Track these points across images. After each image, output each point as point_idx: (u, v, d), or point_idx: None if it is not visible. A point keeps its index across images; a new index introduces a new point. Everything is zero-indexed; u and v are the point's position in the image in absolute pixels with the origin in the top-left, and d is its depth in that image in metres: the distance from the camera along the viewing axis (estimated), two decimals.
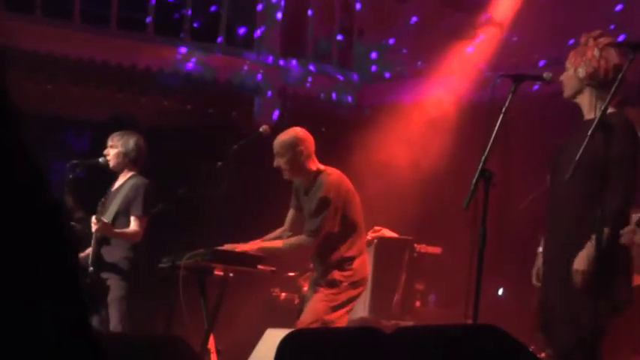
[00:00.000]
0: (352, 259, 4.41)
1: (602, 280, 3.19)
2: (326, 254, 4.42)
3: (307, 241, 4.39)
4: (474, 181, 3.28)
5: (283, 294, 5.70)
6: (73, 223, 4.78)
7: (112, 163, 5.02)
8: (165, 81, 7.12)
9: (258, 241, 4.53)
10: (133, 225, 4.85)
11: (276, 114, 7.39)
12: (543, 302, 3.43)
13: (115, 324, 4.75)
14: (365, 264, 4.51)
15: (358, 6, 7.78)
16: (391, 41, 7.60)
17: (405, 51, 7.51)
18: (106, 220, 4.76)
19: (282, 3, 7.56)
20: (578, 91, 3.46)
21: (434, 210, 6.34)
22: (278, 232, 4.59)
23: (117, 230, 4.82)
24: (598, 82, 3.39)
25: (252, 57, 7.53)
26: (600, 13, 6.06)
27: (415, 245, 5.70)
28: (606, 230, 3.20)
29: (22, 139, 1.07)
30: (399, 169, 6.56)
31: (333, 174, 4.44)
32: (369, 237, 5.26)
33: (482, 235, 3.26)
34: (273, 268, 4.46)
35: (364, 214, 4.53)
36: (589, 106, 3.44)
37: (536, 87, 5.68)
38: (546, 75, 3.48)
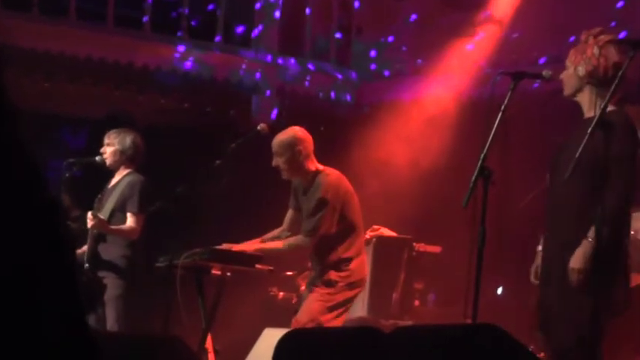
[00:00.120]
0: (350, 259, 4.39)
1: (599, 278, 3.17)
2: (324, 254, 4.40)
3: (304, 241, 4.37)
4: (473, 179, 3.27)
5: (281, 293, 5.69)
6: (69, 221, 4.75)
7: (108, 161, 5.00)
8: (162, 79, 7.10)
9: (255, 240, 4.51)
10: (130, 222, 4.83)
11: (274, 113, 7.37)
12: (542, 301, 3.41)
13: (111, 323, 4.73)
14: (363, 265, 4.49)
15: (356, 4, 7.76)
16: (390, 39, 7.58)
17: (404, 49, 7.49)
18: (101, 217, 4.74)
19: (280, 1, 7.54)
20: (578, 90, 3.45)
21: (433, 209, 6.32)
22: (276, 232, 4.58)
23: (113, 227, 4.80)
24: (598, 80, 3.37)
25: (250, 55, 7.51)
26: (601, 10, 6.04)
27: (414, 244, 5.68)
28: (605, 229, 3.17)
29: (20, 137, 1.06)
30: (397, 167, 6.55)
31: (331, 174, 4.43)
32: (367, 236, 5.25)
33: (481, 234, 3.25)
34: (271, 268, 4.44)
35: (363, 213, 4.52)
36: (589, 105, 3.42)
37: (536, 85, 5.66)
38: (546, 73, 3.47)
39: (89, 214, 4.71)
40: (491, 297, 5.76)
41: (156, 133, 6.13)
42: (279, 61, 7.55)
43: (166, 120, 7.10)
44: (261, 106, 7.41)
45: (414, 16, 7.40)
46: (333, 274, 4.36)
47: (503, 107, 3.37)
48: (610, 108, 3.26)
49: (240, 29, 7.64)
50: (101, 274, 4.79)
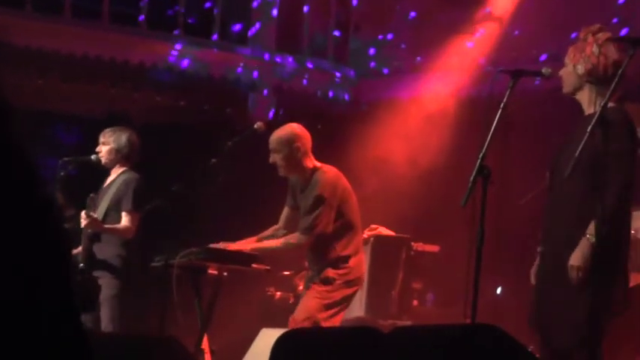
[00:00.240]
0: (348, 257, 4.37)
1: (599, 278, 3.15)
2: (321, 253, 4.38)
3: (302, 239, 4.34)
4: (472, 178, 3.25)
5: (278, 293, 5.66)
6: (64, 220, 4.71)
7: (104, 160, 4.98)
8: (158, 77, 7.08)
9: (252, 239, 4.48)
10: (124, 220, 4.81)
11: (271, 110, 7.35)
12: (540, 300, 3.38)
13: (106, 323, 4.70)
14: (361, 263, 4.47)
15: (354, 1, 7.74)
16: (388, 36, 7.56)
17: (402, 46, 7.47)
18: (95, 216, 4.70)
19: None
20: (578, 88, 3.44)
21: (431, 208, 6.30)
22: (272, 230, 4.55)
23: (107, 226, 4.77)
24: (597, 78, 3.36)
25: (247, 53, 7.48)
26: (602, 7, 6.01)
27: (412, 243, 5.67)
28: (605, 227, 3.17)
29: (16, 135, 1.06)
30: (396, 166, 6.53)
31: (329, 172, 4.41)
32: (365, 235, 5.23)
33: (480, 233, 3.24)
34: (268, 267, 4.42)
35: (361, 212, 4.50)
36: (588, 102, 3.41)
37: (536, 82, 5.63)
38: (545, 70, 3.45)
39: (82, 214, 4.68)
40: (490, 297, 5.74)
41: (152, 131, 6.10)
42: (276, 58, 7.53)
43: (162, 118, 7.08)
44: (257, 104, 7.40)
45: (412, 14, 7.37)
46: (330, 272, 4.34)
47: (502, 105, 3.34)
48: (610, 105, 3.24)
49: (237, 27, 7.62)
50: (96, 273, 4.76)
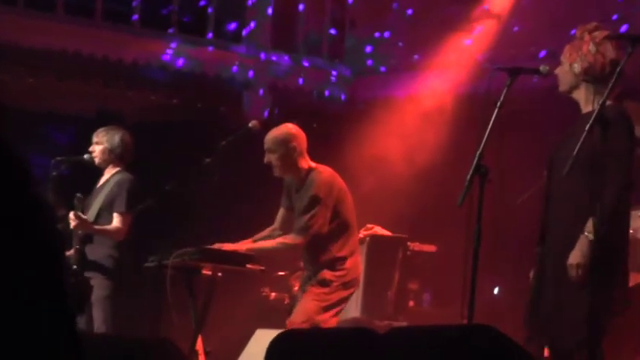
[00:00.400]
0: (344, 259, 4.35)
1: (598, 278, 3.13)
2: (317, 254, 4.35)
3: (297, 240, 4.31)
4: (469, 177, 3.23)
5: (273, 294, 5.64)
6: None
7: (97, 160, 4.95)
8: (152, 75, 7.04)
9: (247, 241, 4.45)
10: (115, 222, 4.77)
11: (265, 109, 7.32)
12: (541, 301, 3.36)
13: (99, 324, 4.68)
14: (357, 264, 4.45)
15: None
16: (385, 34, 7.53)
17: (398, 44, 7.45)
18: (84, 217, 4.67)
19: None
20: (574, 87, 3.42)
21: (428, 207, 6.29)
22: (267, 231, 4.53)
23: (97, 227, 4.74)
24: (594, 77, 3.35)
25: (242, 51, 7.45)
26: (602, 4, 5.98)
27: (409, 243, 5.65)
28: (604, 226, 3.16)
29: (6, 134, 1.05)
30: (392, 164, 6.51)
31: (324, 172, 4.38)
32: (361, 235, 5.21)
33: (477, 233, 3.22)
34: (263, 268, 4.39)
35: (357, 212, 4.48)
36: (586, 101, 3.40)
37: (534, 80, 5.60)
38: (543, 68, 3.43)
39: (71, 214, 4.64)
40: (487, 297, 5.73)
41: (145, 129, 6.08)
42: (271, 57, 7.50)
43: (156, 117, 7.06)
44: (252, 103, 7.37)
45: (409, 11, 7.35)
46: (327, 274, 4.31)
47: (499, 103, 3.32)
48: (608, 103, 3.22)
49: (231, 25, 7.59)
50: (88, 274, 4.73)
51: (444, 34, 6.85)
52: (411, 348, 2.07)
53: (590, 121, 3.13)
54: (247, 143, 4.55)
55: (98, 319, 4.69)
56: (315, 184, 4.31)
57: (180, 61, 7.18)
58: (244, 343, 4.45)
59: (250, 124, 4.62)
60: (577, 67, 3.36)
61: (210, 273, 4.39)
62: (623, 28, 5.67)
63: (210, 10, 7.46)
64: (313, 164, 4.42)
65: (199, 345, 4.37)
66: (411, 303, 5.72)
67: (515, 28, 6.65)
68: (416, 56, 7.19)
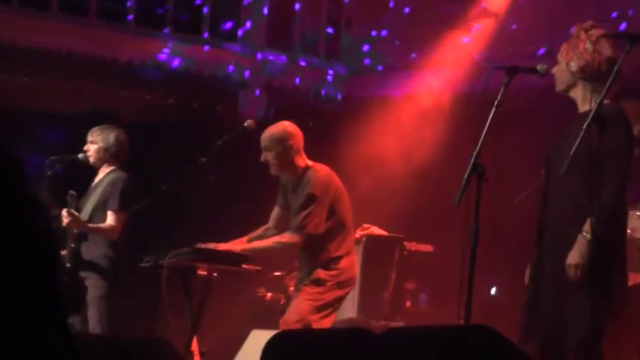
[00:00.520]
0: (340, 258, 4.33)
1: (597, 278, 3.12)
2: (313, 253, 4.34)
3: (293, 238, 4.29)
4: (466, 176, 3.23)
5: (269, 294, 5.62)
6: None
7: (92, 159, 4.94)
8: (147, 74, 7.02)
9: (242, 240, 4.43)
10: (109, 220, 4.76)
11: (261, 108, 7.31)
12: (540, 301, 3.34)
13: (94, 324, 4.67)
14: (353, 263, 4.43)
15: None
16: (382, 32, 7.52)
17: (395, 42, 7.44)
18: (76, 214, 4.64)
19: None
20: (571, 85, 3.42)
21: (424, 206, 6.28)
22: (261, 230, 4.52)
23: (90, 225, 4.72)
24: (591, 75, 3.35)
25: (238, 50, 7.43)
26: (601, 1, 5.97)
27: (405, 243, 5.64)
28: (602, 225, 3.15)
29: (1, 134, 1.05)
30: (389, 163, 6.50)
31: (321, 170, 4.37)
32: (357, 235, 5.19)
33: (474, 232, 3.22)
34: (259, 268, 4.38)
35: (353, 211, 4.46)
36: (583, 100, 3.40)
37: (531, 79, 5.59)
38: (540, 67, 3.43)
39: (64, 212, 4.62)
40: (485, 297, 5.72)
41: (141, 129, 6.06)
42: (267, 55, 7.48)
43: (151, 116, 7.04)
44: (248, 102, 7.35)
45: (406, 9, 7.33)
46: (322, 273, 4.29)
47: (496, 102, 3.31)
48: (605, 102, 3.20)
49: (227, 25, 7.57)
50: (83, 274, 4.72)
51: (442, 33, 6.84)
52: (407, 348, 2.08)
53: (588, 120, 3.12)
54: (243, 143, 4.54)
55: (93, 319, 4.68)
56: (312, 183, 4.30)
57: (176, 61, 7.17)
58: (240, 343, 4.43)
59: (246, 124, 4.61)
60: (574, 66, 3.35)
61: (205, 273, 4.37)
62: (622, 26, 5.66)
63: (205, 9, 7.44)
64: (310, 162, 4.41)
65: (195, 345, 4.36)
66: (408, 303, 5.71)
67: (513, 27, 6.64)
68: (413, 55, 7.17)
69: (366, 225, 5.54)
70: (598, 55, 3.33)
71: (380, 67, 7.49)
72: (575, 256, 3.18)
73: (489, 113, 3.31)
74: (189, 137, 6.31)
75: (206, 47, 7.36)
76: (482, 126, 3.29)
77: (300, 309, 4.26)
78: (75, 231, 4.68)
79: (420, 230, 5.91)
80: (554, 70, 3.44)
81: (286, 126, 4.41)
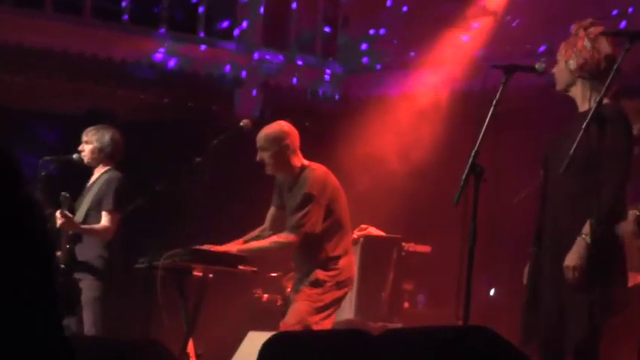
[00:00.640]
0: (337, 258, 4.31)
1: (597, 278, 3.09)
2: (310, 254, 4.31)
3: (290, 239, 4.26)
4: (464, 176, 3.21)
5: (266, 295, 5.60)
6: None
7: (87, 159, 4.91)
8: (142, 74, 7.00)
9: (238, 241, 4.40)
10: (104, 220, 4.73)
11: (257, 108, 7.28)
12: (539, 301, 3.32)
13: (89, 326, 4.65)
14: (351, 264, 4.41)
15: None
16: (375, 32, 7.50)
17: (393, 41, 7.41)
18: (70, 215, 4.61)
19: None
20: (570, 84, 3.40)
21: (422, 207, 6.27)
22: (257, 231, 4.49)
23: (84, 226, 4.70)
24: (590, 73, 3.33)
25: (233, 49, 7.40)
26: (600, 0, 5.94)
27: (403, 244, 5.62)
28: (601, 225, 3.14)
29: None
30: (386, 163, 6.48)
31: (318, 169, 4.35)
32: (355, 235, 5.17)
33: (472, 233, 3.20)
34: (255, 269, 4.35)
35: (350, 211, 4.44)
36: (582, 99, 3.38)
37: (529, 78, 5.57)
38: (539, 66, 3.41)
39: (57, 213, 4.58)
40: (483, 298, 5.70)
41: (136, 128, 6.03)
42: (263, 55, 7.46)
43: (146, 115, 7.02)
44: (244, 101, 7.32)
45: (404, 8, 7.31)
46: (320, 274, 4.27)
47: (494, 102, 3.28)
48: (605, 102, 3.18)
49: (223, 24, 7.55)
50: (77, 275, 4.70)
51: (440, 31, 6.82)
52: (405, 350, 2.07)
53: (587, 120, 3.10)
54: (239, 142, 4.51)
55: (88, 320, 4.67)
56: (309, 182, 4.27)
57: (171, 60, 7.14)
58: (236, 345, 4.41)
59: (242, 123, 4.58)
60: (572, 64, 3.34)
61: (201, 274, 4.34)
62: (623, 24, 5.65)
63: (201, 8, 7.42)
64: (306, 162, 4.39)
65: (190, 347, 4.34)
66: (406, 304, 5.69)
67: (512, 25, 6.62)
68: (412, 53, 7.15)
69: (363, 225, 5.52)
70: (597, 53, 3.31)
71: (378, 66, 7.46)
72: (573, 258, 3.16)
73: (487, 113, 3.28)
74: (184, 137, 6.29)
75: (202, 46, 7.33)
76: (480, 125, 3.27)
77: (300, 311, 4.24)
78: (70, 232, 4.65)
79: (417, 230, 5.90)
80: (555, 69, 3.43)
81: (282, 125, 4.39)
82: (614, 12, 5.84)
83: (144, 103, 7.06)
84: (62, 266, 4.59)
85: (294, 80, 7.54)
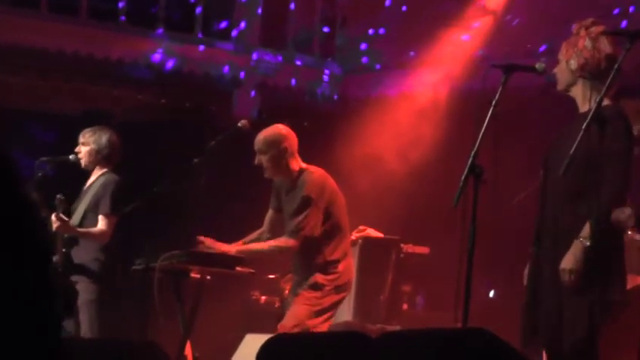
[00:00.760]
0: (337, 262, 4.29)
1: (596, 278, 3.07)
2: (309, 257, 4.29)
3: (289, 242, 4.25)
4: (464, 177, 3.18)
5: (263, 297, 5.58)
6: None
7: (84, 162, 4.88)
8: (139, 74, 6.97)
9: (237, 244, 4.37)
10: (100, 224, 4.70)
11: (255, 108, 7.27)
12: (538, 302, 3.30)
13: (85, 328, 4.64)
14: (350, 267, 4.40)
15: None
16: (373, 31, 7.48)
17: (390, 41, 7.40)
18: (65, 218, 4.58)
19: None
20: (571, 84, 3.38)
21: (421, 208, 6.26)
22: (256, 234, 4.46)
23: (80, 230, 4.67)
24: (591, 73, 3.31)
25: (231, 49, 7.39)
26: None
27: (402, 245, 5.60)
28: (601, 226, 3.12)
29: None
30: (385, 164, 6.47)
31: (316, 172, 4.33)
32: (353, 237, 5.15)
33: (471, 234, 3.18)
34: (252, 271, 4.33)
35: (349, 213, 4.43)
36: (583, 99, 3.36)
37: (529, 78, 5.56)
38: (539, 65, 3.38)
39: (53, 216, 4.55)
40: (482, 300, 5.68)
41: (133, 129, 6.01)
42: (261, 55, 7.44)
43: (144, 116, 7.00)
44: (241, 102, 7.31)
45: (403, 7, 7.29)
46: (319, 277, 4.25)
47: (494, 102, 3.26)
48: (605, 102, 3.17)
49: (221, 24, 7.53)
50: (74, 278, 4.67)
51: (439, 31, 6.80)
52: (404, 352, 2.07)
53: (587, 120, 3.08)
54: (237, 143, 4.48)
55: (85, 323, 4.65)
56: (307, 186, 4.26)
57: (169, 60, 7.12)
58: (234, 347, 4.39)
59: (240, 124, 4.56)
60: (573, 64, 3.32)
61: (198, 276, 4.33)
62: (623, 24, 5.63)
63: (199, 8, 7.41)
64: (304, 165, 4.37)
65: (188, 350, 4.32)
66: (405, 306, 5.66)
67: (512, 24, 6.61)
68: (412, 53, 7.13)
69: (361, 227, 5.50)
70: (597, 52, 3.29)
71: (377, 66, 7.44)
72: (569, 261, 3.15)
73: (487, 113, 3.26)
74: (182, 137, 6.28)
75: (200, 47, 7.32)
76: (479, 126, 3.25)
77: (299, 314, 4.22)
78: (63, 234, 4.62)
79: (416, 232, 5.88)
80: (556, 69, 3.42)
81: (280, 129, 4.37)
82: (616, 11, 5.82)
83: (141, 103, 7.05)
84: (59, 269, 4.56)
85: (293, 81, 7.53)
